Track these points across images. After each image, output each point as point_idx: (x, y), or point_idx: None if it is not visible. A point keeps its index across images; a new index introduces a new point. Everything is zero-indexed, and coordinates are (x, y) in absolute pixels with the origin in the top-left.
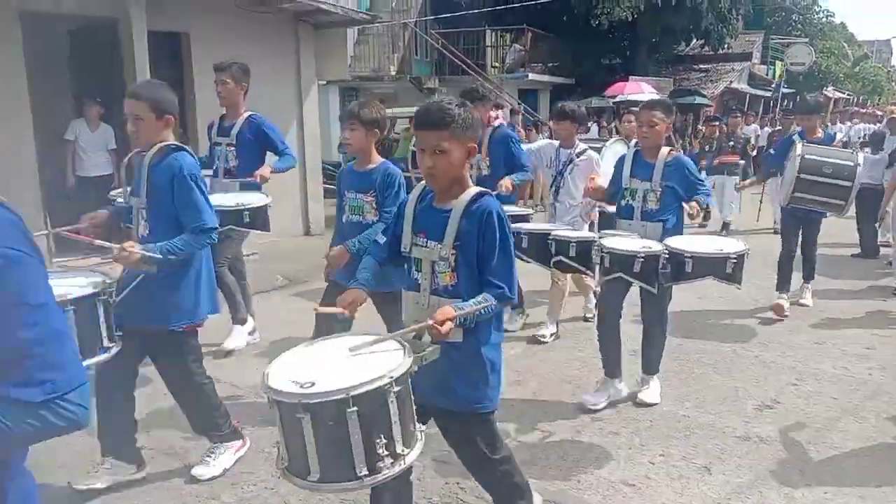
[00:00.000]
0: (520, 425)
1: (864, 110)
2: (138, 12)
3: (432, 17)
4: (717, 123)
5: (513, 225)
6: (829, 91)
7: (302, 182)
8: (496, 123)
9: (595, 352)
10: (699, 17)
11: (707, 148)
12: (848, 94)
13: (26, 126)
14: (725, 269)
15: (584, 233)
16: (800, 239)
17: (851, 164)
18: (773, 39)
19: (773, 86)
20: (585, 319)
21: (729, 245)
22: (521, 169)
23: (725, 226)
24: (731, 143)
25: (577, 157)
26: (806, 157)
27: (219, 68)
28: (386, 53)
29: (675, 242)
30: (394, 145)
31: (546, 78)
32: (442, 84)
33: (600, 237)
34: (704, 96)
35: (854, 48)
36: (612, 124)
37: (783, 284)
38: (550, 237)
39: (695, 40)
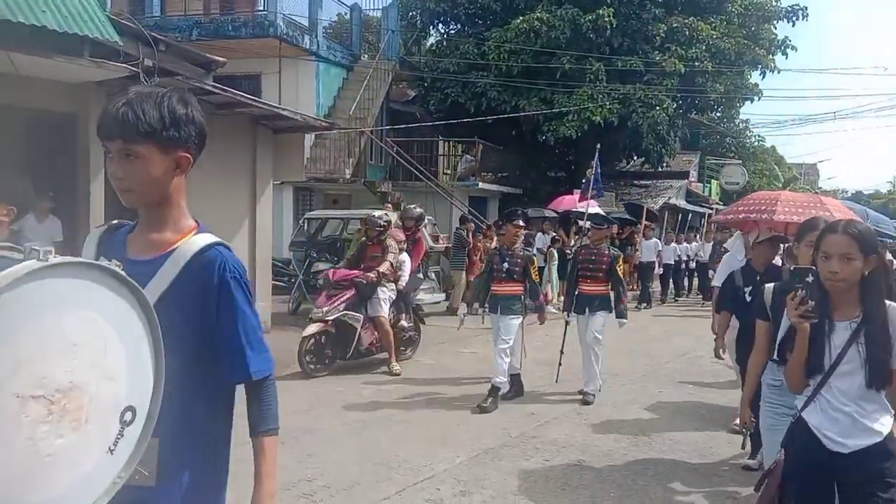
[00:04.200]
0: None
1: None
2: (97, 108)
3: (388, 127)
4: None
5: None
6: None
7: (251, 278)
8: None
9: (543, 461)
10: (639, 137)
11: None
12: None
13: None
14: None
15: None
16: None
17: None
18: (708, 160)
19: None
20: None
21: None
22: None
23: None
24: (506, 263)
25: None
26: None
27: None
28: (342, 157)
29: None
30: (346, 245)
31: (495, 187)
32: (395, 188)
33: None
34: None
35: (784, 170)
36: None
37: None
38: None
39: (635, 158)
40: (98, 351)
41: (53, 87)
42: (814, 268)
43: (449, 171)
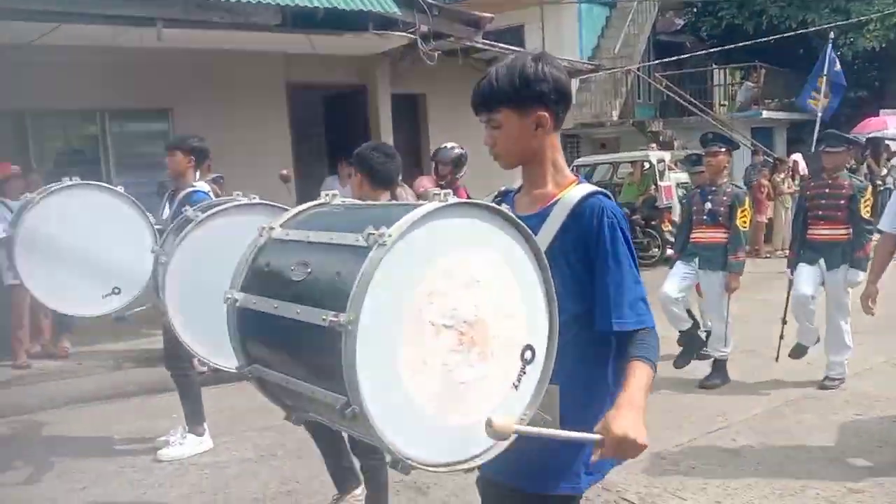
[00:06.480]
0: None
1: None
2: (383, 79)
3: (656, 62)
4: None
5: None
6: None
7: None
8: None
9: (854, 416)
10: None
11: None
12: None
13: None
14: None
15: None
16: None
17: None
18: None
19: None
20: None
21: None
22: None
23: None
24: (709, 203)
25: None
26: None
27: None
28: (608, 99)
29: None
30: (617, 189)
31: (782, 115)
32: (666, 126)
33: None
34: None
35: None
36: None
37: None
38: None
39: None
40: (498, 289)
41: (344, 63)
42: None
43: (726, 102)
